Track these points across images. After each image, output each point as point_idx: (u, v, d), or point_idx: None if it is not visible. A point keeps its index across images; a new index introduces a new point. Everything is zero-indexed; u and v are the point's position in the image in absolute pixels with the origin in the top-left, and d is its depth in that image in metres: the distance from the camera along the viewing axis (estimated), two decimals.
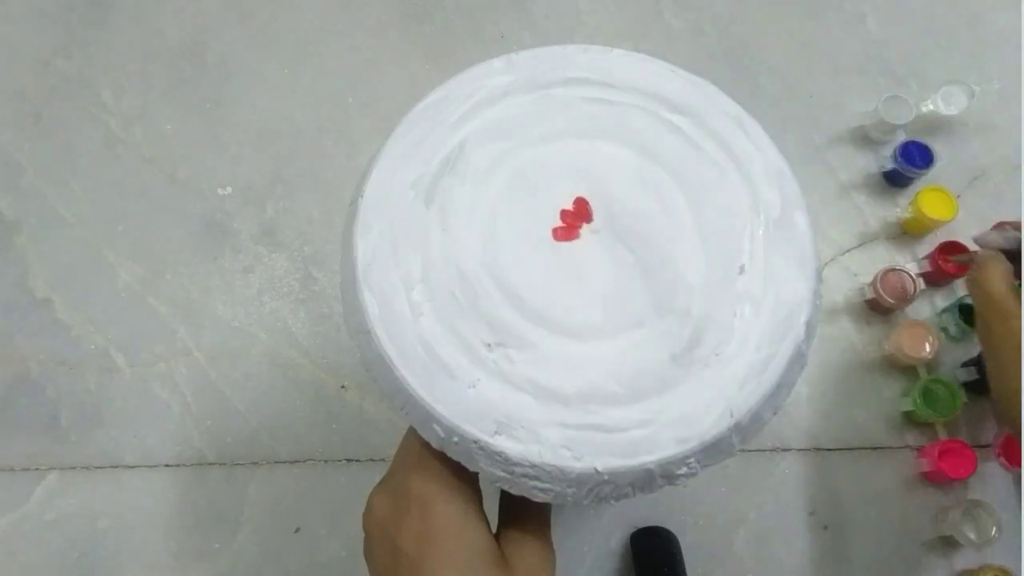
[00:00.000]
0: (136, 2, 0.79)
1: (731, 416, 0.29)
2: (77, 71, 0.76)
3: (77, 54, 0.76)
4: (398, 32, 0.78)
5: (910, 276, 0.64)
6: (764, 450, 0.62)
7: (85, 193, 0.70)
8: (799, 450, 0.62)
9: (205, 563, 0.59)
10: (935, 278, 0.65)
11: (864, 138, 0.73)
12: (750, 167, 0.34)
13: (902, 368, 0.64)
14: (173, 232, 0.69)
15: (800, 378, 0.32)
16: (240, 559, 0.59)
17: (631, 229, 0.33)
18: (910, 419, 0.62)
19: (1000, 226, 0.62)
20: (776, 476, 0.61)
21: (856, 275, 0.68)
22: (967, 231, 0.66)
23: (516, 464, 0.28)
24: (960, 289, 0.66)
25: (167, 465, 0.62)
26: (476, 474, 0.30)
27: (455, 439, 0.29)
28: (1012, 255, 0.50)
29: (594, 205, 0.33)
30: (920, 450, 0.62)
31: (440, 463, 0.30)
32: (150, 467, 0.62)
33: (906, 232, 0.69)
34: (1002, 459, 0.58)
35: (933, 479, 0.60)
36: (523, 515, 0.32)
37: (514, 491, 0.30)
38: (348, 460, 0.62)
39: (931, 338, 0.62)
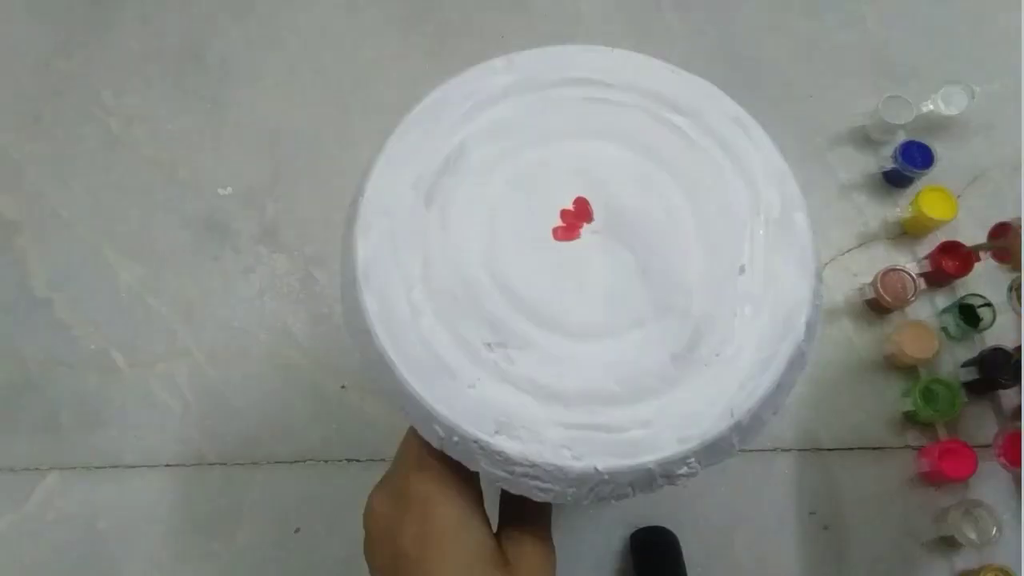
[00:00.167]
0: (136, 2, 0.79)
1: (731, 416, 0.29)
2: (77, 71, 0.76)
3: (77, 54, 0.76)
4: (398, 32, 0.78)
5: (910, 276, 0.64)
6: (764, 450, 0.62)
7: (85, 193, 0.70)
8: (799, 450, 0.62)
9: (205, 563, 0.59)
10: (935, 278, 0.65)
11: (864, 138, 0.73)
12: (750, 167, 0.34)
13: (902, 368, 0.64)
14: (173, 232, 0.69)
15: (800, 378, 0.32)
16: (240, 559, 0.59)
17: (631, 229, 0.33)
18: (910, 419, 0.62)
19: (999, 227, 0.62)
20: (776, 476, 0.61)
21: (856, 275, 0.68)
22: (967, 231, 0.66)
23: (516, 464, 0.28)
24: (960, 289, 0.66)
25: (167, 465, 0.62)
26: (477, 474, 0.30)
27: (455, 439, 0.29)
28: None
29: (594, 205, 0.33)
30: (920, 450, 0.62)
31: (440, 463, 0.30)
32: (150, 467, 0.62)
33: (906, 232, 0.69)
34: (1002, 459, 0.58)
35: (933, 479, 0.60)
36: (524, 515, 0.32)
37: (514, 491, 0.30)
38: (348, 460, 0.62)
39: (931, 338, 0.62)
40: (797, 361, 0.31)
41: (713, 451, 0.29)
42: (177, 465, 0.62)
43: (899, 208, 0.69)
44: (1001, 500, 0.59)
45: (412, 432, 0.32)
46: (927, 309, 0.66)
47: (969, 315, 0.63)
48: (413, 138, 0.34)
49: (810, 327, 0.32)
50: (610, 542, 0.59)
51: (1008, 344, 0.61)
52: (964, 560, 0.58)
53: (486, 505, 0.32)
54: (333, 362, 0.65)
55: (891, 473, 0.61)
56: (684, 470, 0.29)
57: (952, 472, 0.58)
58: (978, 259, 0.64)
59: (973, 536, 0.56)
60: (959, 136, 0.72)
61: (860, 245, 0.69)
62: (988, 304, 0.63)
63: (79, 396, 0.63)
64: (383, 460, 0.61)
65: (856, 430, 0.63)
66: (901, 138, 0.70)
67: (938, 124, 0.72)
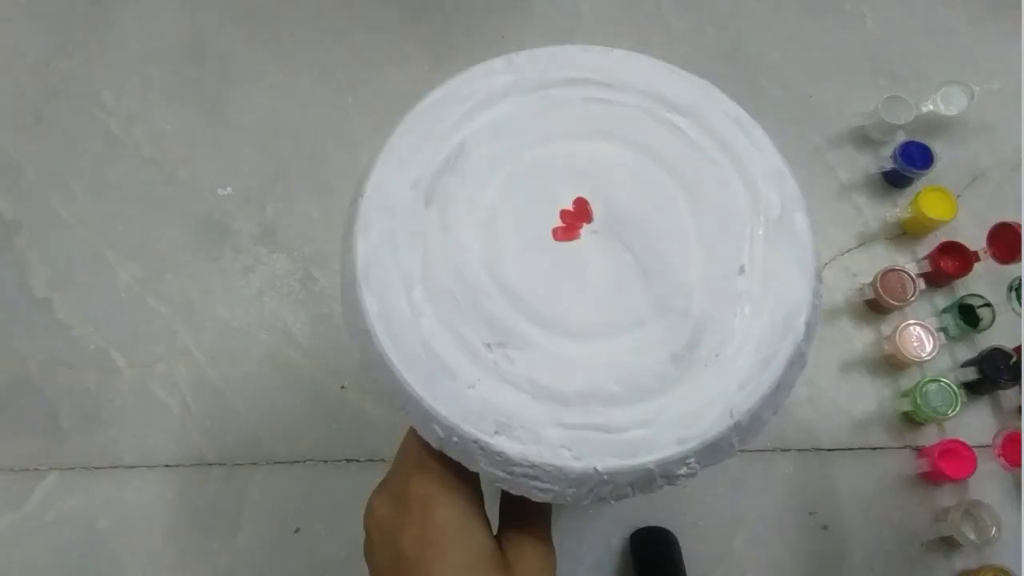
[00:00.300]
0: (136, 2, 0.79)
1: (731, 416, 0.29)
2: (77, 71, 0.76)
3: (77, 54, 0.76)
4: (398, 32, 0.78)
5: (910, 276, 0.64)
6: (764, 450, 0.62)
7: (85, 193, 0.70)
8: (799, 450, 0.62)
9: (205, 563, 0.59)
10: (935, 278, 0.65)
11: (864, 138, 0.73)
12: (750, 167, 0.34)
13: (902, 368, 0.64)
14: (173, 232, 0.69)
15: (800, 378, 0.32)
16: (240, 559, 0.59)
17: (631, 229, 0.33)
18: (910, 419, 0.62)
19: (998, 227, 0.62)
20: (776, 476, 0.61)
21: (856, 275, 0.68)
22: (967, 231, 0.66)
23: (516, 464, 0.28)
24: (960, 289, 0.66)
25: (167, 465, 0.62)
26: (477, 475, 0.30)
27: (455, 439, 0.29)
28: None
29: (594, 205, 0.33)
30: (920, 450, 0.62)
31: (441, 465, 0.30)
32: (150, 467, 0.62)
33: (906, 232, 0.69)
34: (1002, 459, 0.58)
35: (933, 479, 0.60)
36: (524, 516, 0.32)
37: (514, 491, 0.30)
38: (348, 460, 0.62)
39: (931, 338, 0.62)
40: (797, 361, 0.31)
41: (713, 451, 0.29)
42: (177, 465, 0.62)
43: (899, 208, 0.69)
44: (1000, 500, 0.59)
45: (412, 433, 0.32)
46: (927, 309, 0.66)
47: (968, 315, 0.63)
48: (413, 138, 0.34)
49: (810, 327, 0.32)
50: (610, 542, 0.59)
51: (1007, 344, 0.61)
52: (963, 560, 0.58)
53: (486, 506, 0.32)
54: (333, 362, 0.65)
55: (891, 473, 0.61)
56: (684, 470, 0.29)
57: (952, 472, 0.58)
58: (977, 259, 0.64)
59: (972, 536, 0.56)
60: (959, 136, 0.72)
61: (860, 245, 0.69)
62: (987, 304, 0.63)
63: (79, 396, 0.63)
64: (382, 460, 0.61)
65: (855, 430, 0.63)
66: (901, 138, 0.70)
67: (938, 124, 0.72)
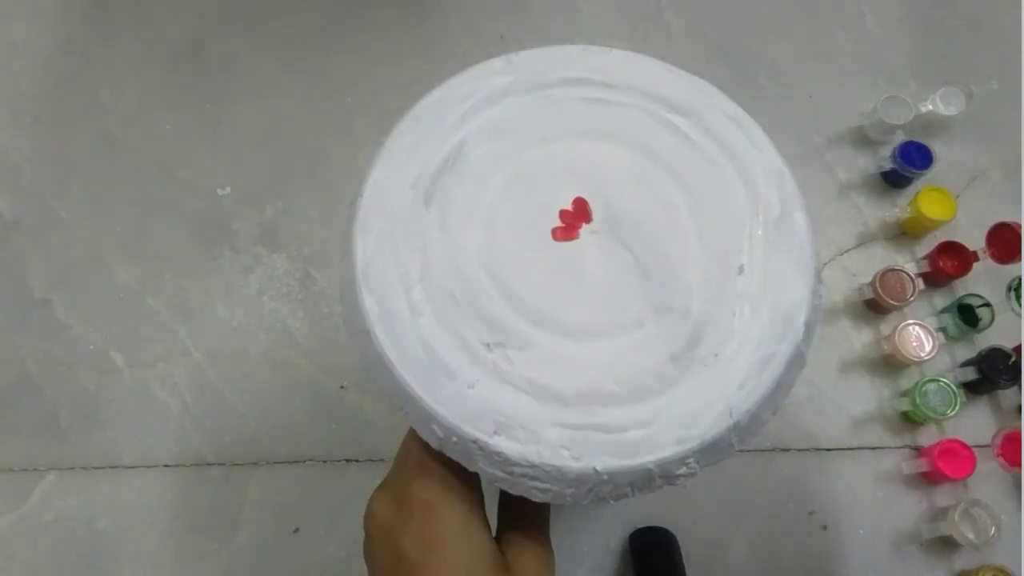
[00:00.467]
0: (136, 2, 0.79)
1: (730, 416, 0.29)
2: (77, 71, 0.76)
3: (77, 54, 0.76)
4: (398, 32, 0.78)
5: (909, 276, 0.64)
6: (764, 450, 0.62)
7: (84, 193, 0.70)
8: (799, 450, 0.62)
9: (204, 563, 0.59)
10: (934, 278, 0.65)
11: (863, 138, 0.73)
12: (749, 167, 0.34)
13: (901, 368, 0.64)
14: (172, 232, 0.69)
15: (799, 378, 0.32)
16: (239, 559, 0.59)
17: (630, 229, 0.33)
18: (909, 419, 0.62)
19: (998, 227, 0.62)
20: (776, 476, 0.61)
21: (855, 275, 0.68)
22: (966, 231, 0.66)
23: (515, 464, 0.28)
24: (959, 289, 0.66)
25: (166, 465, 0.62)
26: (478, 477, 0.30)
27: (454, 439, 0.29)
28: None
29: (593, 205, 0.33)
30: (919, 450, 0.62)
31: (442, 467, 0.30)
32: (149, 467, 0.61)
33: (905, 232, 0.69)
34: (1001, 459, 0.58)
35: (932, 479, 0.60)
36: (523, 517, 0.32)
37: (513, 491, 0.30)
38: (347, 460, 0.62)
39: (930, 338, 0.62)
40: (796, 361, 0.31)
41: (712, 451, 0.29)
42: (176, 465, 0.62)
43: (898, 208, 0.69)
44: (1000, 500, 0.59)
45: (413, 434, 0.32)
46: (926, 309, 0.66)
47: (968, 315, 0.63)
48: (412, 138, 0.34)
49: (809, 327, 0.32)
50: (610, 542, 0.59)
51: (1007, 344, 0.61)
52: (963, 560, 0.58)
53: (486, 507, 0.32)
54: (332, 362, 0.65)
55: (890, 473, 0.61)
56: (683, 470, 0.29)
57: (951, 472, 0.58)
58: (977, 259, 0.64)
59: (971, 536, 0.56)
60: (958, 136, 0.72)
61: (859, 245, 0.69)
62: (987, 304, 0.63)
63: (78, 396, 0.63)
64: (382, 460, 0.61)
65: (855, 430, 0.63)
66: (900, 138, 0.70)
67: (937, 124, 0.72)
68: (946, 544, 0.59)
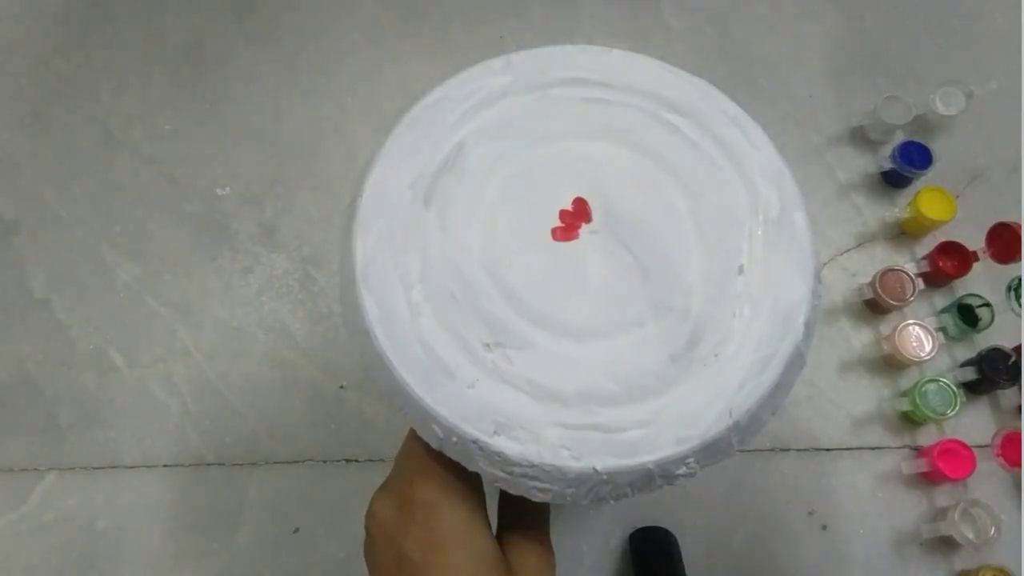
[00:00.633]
0: (136, 2, 0.79)
1: (730, 416, 0.29)
2: (77, 71, 0.76)
3: (77, 54, 0.76)
4: (397, 32, 0.78)
5: (909, 276, 0.64)
6: (764, 450, 0.62)
7: (84, 193, 0.70)
8: (798, 450, 0.62)
9: (204, 563, 0.59)
10: (934, 278, 0.65)
11: (863, 138, 0.73)
12: (749, 167, 0.34)
13: (901, 368, 0.64)
14: (172, 232, 0.69)
15: (799, 378, 0.32)
16: (239, 559, 0.59)
17: (630, 229, 0.33)
18: (909, 419, 0.62)
19: (997, 227, 0.62)
20: (776, 476, 0.61)
21: (855, 275, 0.68)
22: (966, 231, 0.66)
23: (515, 464, 0.28)
24: (959, 289, 0.66)
25: (166, 465, 0.62)
26: (479, 478, 0.30)
27: (454, 439, 0.29)
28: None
29: (593, 205, 0.33)
30: (919, 450, 0.62)
31: (443, 467, 0.30)
32: (149, 467, 0.61)
33: (905, 232, 0.69)
34: (1001, 459, 0.58)
35: (932, 479, 0.60)
36: (523, 517, 0.32)
37: (513, 491, 0.30)
38: (347, 460, 0.62)
39: (930, 338, 0.62)
40: (796, 361, 0.31)
41: (712, 451, 0.29)
42: (176, 465, 0.62)
43: (898, 208, 0.69)
44: (999, 500, 0.59)
45: (413, 435, 0.32)
46: (926, 309, 0.66)
47: (968, 315, 0.63)
48: (412, 138, 0.34)
49: (809, 327, 0.31)
50: (610, 542, 0.59)
51: (1006, 344, 0.61)
52: (962, 560, 0.58)
53: (487, 508, 0.32)
54: (332, 362, 0.65)
55: (890, 473, 0.61)
56: (683, 470, 0.29)
57: (951, 472, 0.58)
58: (976, 259, 0.64)
59: (971, 536, 0.56)
60: (958, 136, 0.72)
61: (859, 245, 0.69)
62: (987, 304, 0.63)
63: (78, 396, 0.63)
64: (382, 460, 0.61)
65: (855, 430, 0.63)
66: (900, 138, 0.70)
67: (936, 124, 0.72)
68: (946, 544, 0.59)
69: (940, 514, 0.59)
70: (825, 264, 0.68)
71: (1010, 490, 0.60)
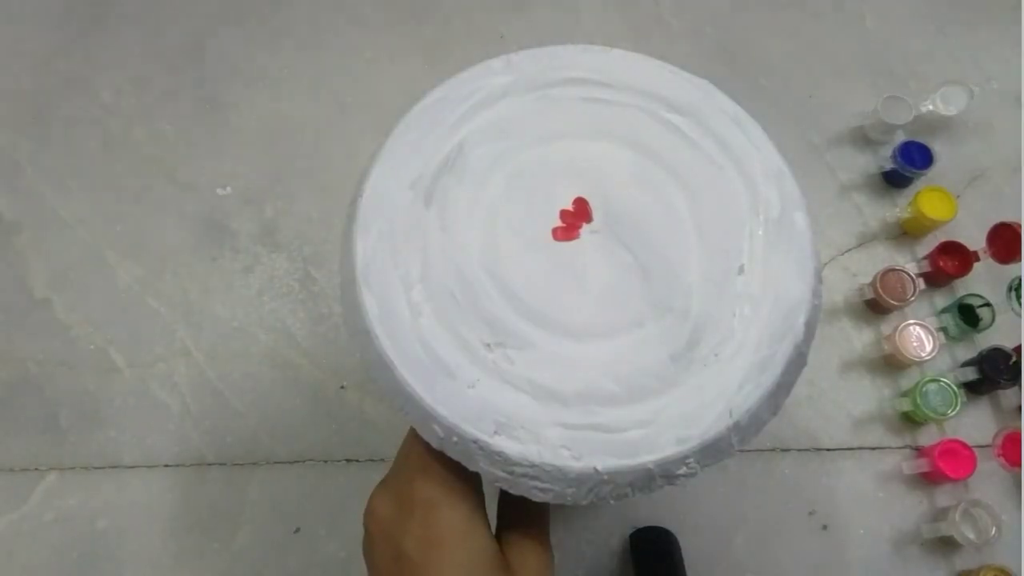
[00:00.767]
0: (136, 2, 0.79)
1: (730, 416, 0.29)
2: (77, 71, 0.76)
3: (77, 54, 0.76)
4: (397, 32, 0.78)
5: (909, 276, 0.64)
6: (764, 450, 0.62)
7: (84, 193, 0.70)
8: (799, 450, 0.62)
9: (205, 563, 0.59)
10: (935, 278, 0.65)
11: (863, 138, 0.73)
12: (749, 167, 0.34)
13: (902, 368, 0.64)
14: (172, 232, 0.69)
15: (799, 378, 0.32)
16: (240, 559, 0.59)
17: (630, 229, 0.33)
18: (909, 419, 0.62)
19: (998, 227, 0.62)
20: (776, 476, 0.61)
21: (855, 275, 0.68)
22: (967, 231, 0.66)
23: (515, 464, 0.28)
24: (959, 289, 0.66)
25: (166, 465, 0.62)
26: (479, 477, 0.30)
27: (454, 439, 0.29)
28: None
29: (593, 205, 0.33)
30: (920, 450, 0.62)
31: (443, 466, 0.30)
32: (149, 467, 0.61)
33: (905, 232, 0.69)
34: (1002, 459, 0.58)
35: (933, 479, 0.60)
36: (523, 517, 0.32)
37: (513, 491, 0.30)
38: (348, 460, 0.62)
39: (931, 338, 0.62)
40: (796, 361, 0.31)
41: (712, 451, 0.29)
42: (176, 465, 0.62)
43: (898, 208, 0.69)
44: (1000, 500, 0.59)
45: (414, 434, 0.32)
46: (926, 309, 0.66)
47: (968, 315, 0.63)
48: (412, 138, 0.34)
49: (809, 327, 0.32)
50: (610, 542, 0.59)
51: (1007, 344, 0.61)
52: (963, 560, 0.58)
53: (487, 507, 0.32)
54: (332, 362, 0.65)
55: (890, 473, 0.61)
56: (683, 470, 0.29)
57: (951, 472, 0.58)
58: (977, 259, 0.64)
59: (972, 536, 0.56)
60: (958, 136, 0.72)
61: (859, 245, 0.69)
62: (987, 304, 0.63)
63: (78, 396, 0.63)
64: (382, 460, 0.61)
65: (855, 430, 0.63)
66: (900, 138, 0.70)
67: (937, 124, 0.72)
68: (946, 544, 0.59)
69: (941, 514, 0.59)
70: (826, 264, 0.68)
71: (1011, 490, 0.60)
